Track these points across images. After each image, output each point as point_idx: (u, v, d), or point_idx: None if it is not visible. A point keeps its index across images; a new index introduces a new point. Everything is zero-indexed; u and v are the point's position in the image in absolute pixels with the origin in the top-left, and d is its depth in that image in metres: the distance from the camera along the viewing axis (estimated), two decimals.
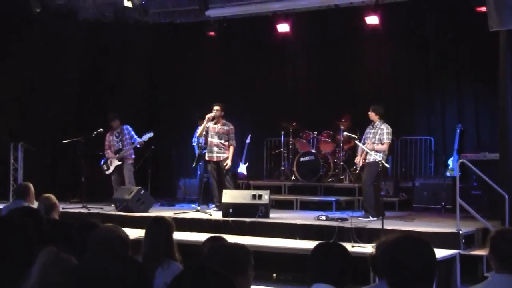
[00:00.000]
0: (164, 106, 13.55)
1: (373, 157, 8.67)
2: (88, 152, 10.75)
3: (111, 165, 10.83)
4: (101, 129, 10.71)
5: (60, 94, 12.19)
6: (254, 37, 12.87)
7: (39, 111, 12.03)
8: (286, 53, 12.97)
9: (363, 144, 8.90)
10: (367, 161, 8.85)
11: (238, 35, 13.01)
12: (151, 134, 10.62)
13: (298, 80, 13.02)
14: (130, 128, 10.90)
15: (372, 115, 9.04)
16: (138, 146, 10.74)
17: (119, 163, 10.73)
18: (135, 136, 10.80)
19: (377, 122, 8.98)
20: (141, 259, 3.96)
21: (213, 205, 10.03)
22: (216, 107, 9.86)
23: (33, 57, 11.82)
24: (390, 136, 8.88)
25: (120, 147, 10.80)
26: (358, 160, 9.11)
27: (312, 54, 12.79)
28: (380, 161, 8.50)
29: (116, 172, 10.78)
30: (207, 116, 9.77)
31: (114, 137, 10.89)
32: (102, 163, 10.96)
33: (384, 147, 8.87)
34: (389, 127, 8.92)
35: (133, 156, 10.89)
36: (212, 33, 12.54)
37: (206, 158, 9.97)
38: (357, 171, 9.43)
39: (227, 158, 9.85)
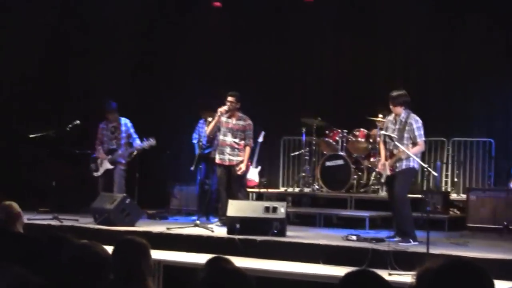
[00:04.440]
0: (157, 93, 13.56)
1: (405, 162, 8.45)
2: (61, 150, 10.76)
3: (101, 166, 10.79)
4: (78, 121, 10.66)
5: (18, 71, 12.13)
6: (269, 8, 12.87)
7: None
8: (311, 29, 12.93)
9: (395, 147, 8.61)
10: (398, 168, 8.55)
11: (249, 6, 13.01)
12: (153, 142, 10.54)
13: (325, 63, 12.99)
14: (129, 124, 10.81)
15: (394, 105, 8.63)
16: (134, 151, 10.68)
17: (111, 167, 10.68)
18: (135, 136, 10.73)
19: (402, 114, 8.62)
20: None
21: (216, 219, 10.06)
22: (230, 98, 9.86)
23: None
24: (423, 131, 8.57)
25: (115, 146, 10.74)
26: (383, 165, 8.72)
27: (346, 30, 12.71)
28: (427, 168, 8.39)
29: (107, 176, 10.72)
30: (219, 110, 9.79)
31: (109, 133, 10.80)
32: (91, 162, 10.89)
33: (420, 148, 8.63)
34: (418, 119, 8.59)
35: (123, 161, 10.75)
36: (217, 4, 12.56)
37: (217, 161, 10.01)
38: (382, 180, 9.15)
39: (241, 161, 9.88)
